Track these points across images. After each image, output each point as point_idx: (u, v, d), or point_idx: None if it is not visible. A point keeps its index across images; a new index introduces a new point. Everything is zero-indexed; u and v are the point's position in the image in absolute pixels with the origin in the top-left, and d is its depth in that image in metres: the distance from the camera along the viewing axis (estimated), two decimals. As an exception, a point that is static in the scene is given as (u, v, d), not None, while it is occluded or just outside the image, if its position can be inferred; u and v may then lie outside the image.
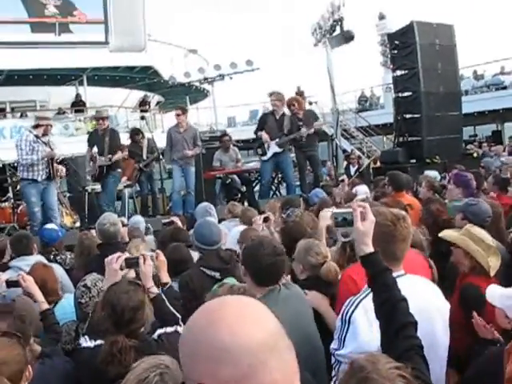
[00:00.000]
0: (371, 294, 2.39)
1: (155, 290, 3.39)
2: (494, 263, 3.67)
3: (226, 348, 1.04)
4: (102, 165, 9.70)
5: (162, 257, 3.97)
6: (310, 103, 12.59)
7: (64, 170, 9.26)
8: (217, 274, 4.20)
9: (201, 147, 10.80)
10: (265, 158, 10.66)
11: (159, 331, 3.09)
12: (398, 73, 12.32)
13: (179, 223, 6.18)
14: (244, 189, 11.68)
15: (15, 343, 2.41)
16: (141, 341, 2.91)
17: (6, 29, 19.99)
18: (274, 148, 10.54)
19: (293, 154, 11.78)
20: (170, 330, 3.14)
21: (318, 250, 3.94)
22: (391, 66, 13.38)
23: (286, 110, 10.90)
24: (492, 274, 3.63)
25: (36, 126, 8.76)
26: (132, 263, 3.45)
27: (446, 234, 4.07)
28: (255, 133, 10.89)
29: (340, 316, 2.56)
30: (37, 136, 8.58)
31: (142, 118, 11.77)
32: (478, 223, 4.32)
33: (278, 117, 10.65)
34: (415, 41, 11.37)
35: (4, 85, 21.14)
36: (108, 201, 9.82)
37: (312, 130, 10.55)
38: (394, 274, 2.47)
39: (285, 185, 11.69)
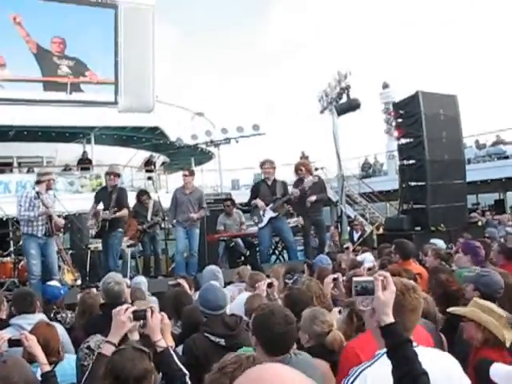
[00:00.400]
0: (375, 364, 2.39)
1: (163, 343, 3.31)
2: (508, 334, 3.60)
3: None
4: (105, 219, 9.53)
5: (167, 320, 3.91)
6: (317, 169, 12.65)
7: (63, 221, 9.17)
8: (221, 341, 4.12)
9: (206, 210, 10.79)
10: (261, 225, 10.60)
11: None
12: (403, 141, 12.43)
13: (186, 286, 6.10)
14: (247, 252, 11.64)
15: None
16: None
17: (19, 86, 20.45)
18: (269, 213, 10.51)
19: (295, 219, 11.77)
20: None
21: (323, 318, 3.90)
22: (395, 134, 13.53)
23: (278, 176, 10.94)
24: (508, 344, 3.55)
25: (38, 182, 8.84)
26: (140, 315, 3.38)
27: (455, 308, 4.03)
28: (249, 202, 10.88)
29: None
30: (38, 193, 8.64)
31: (149, 178, 11.85)
32: (490, 294, 4.27)
33: (270, 183, 10.69)
34: (420, 110, 11.53)
35: (13, 140, 21.42)
36: (115, 261, 9.70)
37: (313, 199, 10.54)
38: None
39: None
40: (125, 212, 9.77)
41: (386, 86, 28.52)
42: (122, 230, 10.00)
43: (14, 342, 3.81)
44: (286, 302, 5.09)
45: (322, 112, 16.30)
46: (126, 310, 3.35)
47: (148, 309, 3.42)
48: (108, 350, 3.18)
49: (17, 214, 8.73)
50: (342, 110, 15.13)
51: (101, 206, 9.84)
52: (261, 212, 10.51)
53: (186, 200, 10.42)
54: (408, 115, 12.05)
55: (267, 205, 10.50)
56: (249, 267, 7.99)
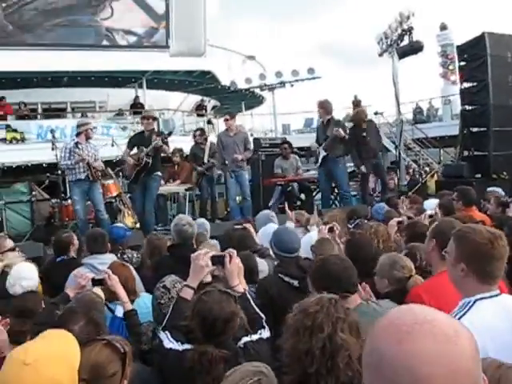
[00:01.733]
0: (467, 315, 2.39)
1: (241, 288, 3.34)
2: None
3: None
4: (150, 152, 9.32)
5: (241, 264, 3.94)
6: (376, 113, 12.33)
7: (102, 164, 9.22)
8: (295, 282, 4.12)
9: (251, 151, 10.79)
10: (317, 165, 10.67)
11: (245, 339, 2.99)
12: (466, 85, 11.99)
13: (252, 230, 6.09)
14: (303, 197, 11.60)
15: (116, 358, 2.33)
16: (230, 351, 2.84)
17: (71, 32, 20.52)
18: (322, 153, 10.42)
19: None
20: (255, 337, 3.06)
21: (403, 263, 3.87)
22: (451, 78, 13.07)
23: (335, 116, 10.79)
24: None
25: (78, 134, 9.13)
26: (218, 260, 3.41)
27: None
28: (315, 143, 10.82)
29: None
30: (77, 143, 8.97)
31: (209, 122, 11.69)
32: None
33: (325, 123, 10.56)
34: (486, 52, 11.03)
35: (66, 86, 21.67)
36: (152, 205, 9.76)
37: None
38: (487, 294, 2.48)
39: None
40: (167, 149, 9.75)
41: (443, 27, 27.38)
42: (161, 174, 9.99)
43: (97, 282, 3.90)
44: (347, 247, 5.06)
45: (380, 55, 15.81)
46: (205, 254, 3.37)
47: (226, 254, 3.44)
48: (187, 293, 3.22)
49: (59, 164, 9.17)
50: (404, 53, 14.64)
51: (135, 150, 9.73)
52: (317, 152, 10.47)
53: (231, 142, 10.44)
54: (473, 58, 11.58)
55: (321, 145, 10.43)
56: (304, 212, 7.93)
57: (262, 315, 3.23)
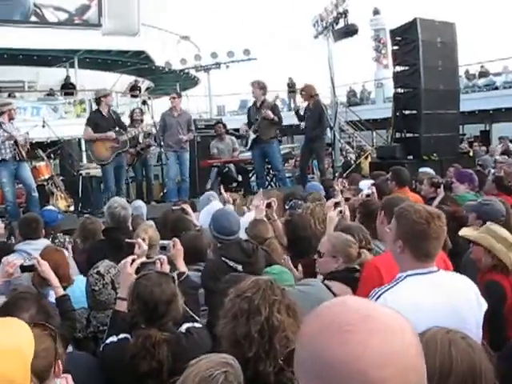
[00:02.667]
0: (394, 288, 2.51)
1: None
2: None
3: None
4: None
5: (179, 245, 3.90)
6: (317, 94, 12.45)
7: (24, 137, 8.95)
8: (239, 267, 4.07)
9: (194, 132, 10.71)
10: (247, 147, 10.66)
11: (187, 325, 2.99)
12: (399, 69, 12.23)
13: (190, 210, 6.03)
14: (240, 178, 11.60)
15: (46, 335, 2.26)
16: (171, 333, 2.84)
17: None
18: (251, 135, 10.41)
19: (289, 145, 11.71)
20: (198, 325, 3.06)
21: (353, 240, 3.92)
22: (384, 62, 13.32)
23: (268, 98, 10.70)
24: (513, 271, 3.67)
25: (0, 114, 8.81)
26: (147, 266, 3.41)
27: (466, 232, 4.09)
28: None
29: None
30: (0, 124, 8.68)
31: (144, 102, 11.42)
32: (492, 222, 4.30)
33: (258, 105, 10.52)
34: (418, 37, 11.26)
35: (-7, 63, 20.77)
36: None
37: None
38: (426, 270, 2.59)
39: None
40: None
41: (376, 12, 27.88)
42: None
43: (26, 268, 3.77)
44: (286, 228, 5.10)
45: (316, 37, 15.93)
46: (133, 262, 3.34)
47: (157, 260, 3.45)
48: (121, 305, 3.16)
49: None
50: (339, 35, 14.80)
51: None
52: (247, 135, 10.46)
53: (174, 123, 10.31)
54: (405, 42, 11.81)
55: (251, 126, 10.43)
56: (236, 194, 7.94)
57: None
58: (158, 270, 3.01)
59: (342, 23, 14.76)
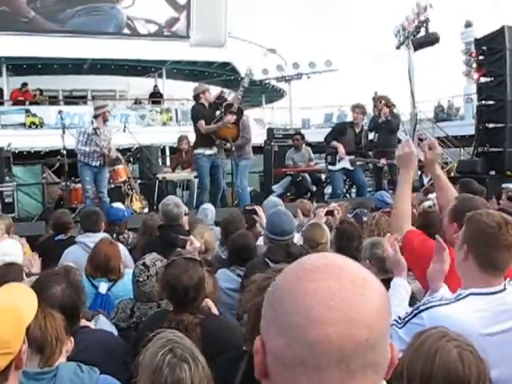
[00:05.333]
0: (452, 305, 2.20)
1: None
2: None
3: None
4: None
5: (196, 243, 4.00)
6: (389, 106, 12.21)
7: (116, 154, 9.42)
8: (281, 269, 4.00)
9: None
10: (333, 167, 10.32)
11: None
12: (483, 80, 11.78)
13: (261, 213, 5.98)
14: (314, 188, 11.52)
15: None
16: (203, 316, 2.87)
17: (92, 19, 20.67)
18: (345, 163, 10.15)
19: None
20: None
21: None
22: (475, 76, 12.85)
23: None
24: None
25: (95, 116, 9.14)
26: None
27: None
28: (328, 140, 10.54)
29: (415, 305, 2.38)
30: (96, 129, 8.96)
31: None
32: None
33: (357, 131, 10.34)
34: (505, 46, 10.80)
35: (87, 73, 21.80)
36: None
37: (383, 162, 10.23)
38: (494, 289, 2.23)
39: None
40: None
41: (468, 24, 26.89)
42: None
43: None
44: (335, 235, 4.96)
45: (398, 48, 15.63)
46: None
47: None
48: None
49: (74, 147, 9.09)
50: (419, 44, 14.45)
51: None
52: (337, 157, 10.23)
53: None
54: (491, 52, 11.35)
55: (348, 153, 10.16)
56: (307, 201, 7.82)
57: None
58: (185, 256, 3.02)
59: (423, 32, 14.41)
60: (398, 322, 2.27)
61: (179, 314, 2.85)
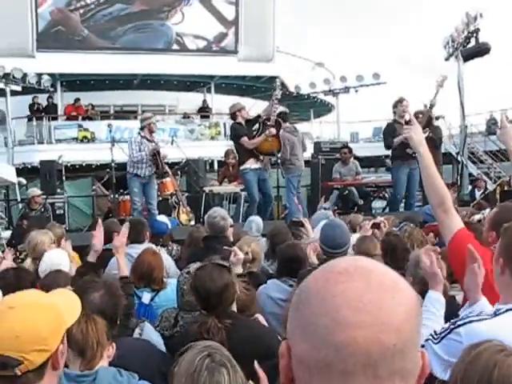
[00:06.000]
0: (491, 321, 2.10)
1: None
2: None
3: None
4: None
5: (240, 255, 4.05)
6: (437, 118, 11.96)
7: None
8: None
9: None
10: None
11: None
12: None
13: (308, 225, 5.98)
14: (361, 202, 11.38)
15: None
16: (235, 319, 2.90)
17: (142, 36, 21.21)
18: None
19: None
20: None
21: None
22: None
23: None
24: None
25: (141, 128, 9.35)
26: None
27: None
28: (389, 142, 10.18)
29: (452, 320, 2.29)
30: (143, 137, 9.19)
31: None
32: None
33: (404, 122, 10.02)
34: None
35: (137, 88, 22.27)
36: None
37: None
38: None
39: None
40: None
41: (521, 35, 26.37)
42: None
43: None
44: (380, 247, 4.91)
45: (447, 59, 15.34)
46: None
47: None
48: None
49: (128, 157, 9.22)
50: (469, 55, 14.13)
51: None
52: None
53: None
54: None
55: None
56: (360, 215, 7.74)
57: None
58: (214, 262, 3.07)
59: (473, 43, 14.10)
60: (433, 337, 2.18)
61: (206, 316, 2.92)
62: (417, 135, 3.06)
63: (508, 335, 1.95)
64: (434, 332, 2.21)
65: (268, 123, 9.38)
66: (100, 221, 4.64)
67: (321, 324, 0.86)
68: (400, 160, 9.97)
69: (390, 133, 10.14)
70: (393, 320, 0.86)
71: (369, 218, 7.39)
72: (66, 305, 1.84)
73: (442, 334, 2.16)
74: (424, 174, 3.01)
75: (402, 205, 10.90)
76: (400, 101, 10.09)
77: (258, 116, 9.91)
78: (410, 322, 0.88)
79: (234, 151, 11.32)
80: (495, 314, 2.12)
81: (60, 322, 1.73)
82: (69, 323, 1.81)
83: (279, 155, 9.53)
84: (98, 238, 3.99)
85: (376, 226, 5.61)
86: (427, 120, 10.15)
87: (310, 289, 0.91)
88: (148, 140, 9.17)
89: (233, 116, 9.73)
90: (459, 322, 2.16)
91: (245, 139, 9.37)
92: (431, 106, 9.95)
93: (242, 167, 9.58)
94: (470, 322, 2.13)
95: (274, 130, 9.32)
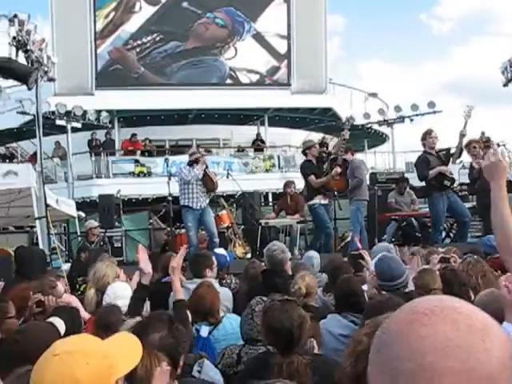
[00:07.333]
0: None
1: None
2: None
3: None
4: None
5: None
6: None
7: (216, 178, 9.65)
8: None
9: None
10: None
11: None
12: None
13: (367, 258, 5.86)
14: (420, 233, 11.11)
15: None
16: (313, 356, 2.82)
17: (197, 71, 21.70)
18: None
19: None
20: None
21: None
22: None
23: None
24: None
25: (190, 164, 9.36)
26: None
27: None
28: (423, 175, 10.00)
29: None
30: (190, 165, 9.30)
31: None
32: None
33: (435, 154, 9.87)
34: None
35: (192, 123, 22.63)
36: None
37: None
38: None
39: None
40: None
41: None
42: None
43: None
44: (442, 281, 4.77)
45: (505, 85, 14.89)
46: None
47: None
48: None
49: (180, 186, 9.32)
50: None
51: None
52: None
53: None
54: None
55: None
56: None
57: None
58: (280, 298, 2.97)
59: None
60: None
61: (287, 356, 2.77)
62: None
63: None
64: None
65: (335, 162, 9.81)
66: (141, 246, 4.66)
67: (405, 369, 0.79)
68: (437, 191, 9.75)
69: (423, 165, 9.96)
70: (485, 366, 0.77)
71: (433, 250, 7.20)
72: (122, 352, 1.78)
73: None
74: (493, 208, 2.68)
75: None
76: (428, 132, 9.95)
77: (329, 153, 10.50)
78: (506, 368, 0.79)
79: (294, 183, 11.37)
80: None
81: (108, 371, 1.67)
82: (123, 372, 1.74)
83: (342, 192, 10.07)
84: (144, 261, 3.96)
85: (445, 260, 5.46)
86: (459, 150, 9.96)
87: (393, 331, 0.84)
88: (195, 163, 9.24)
89: (304, 153, 10.33)
90: None
91: (312, 178, 9.85)
92: (462, 137, 9.77)
93: (311, 202, 9.97)
94: None
95: (339, 170, 9.66)
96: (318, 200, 9.80)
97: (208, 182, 9.30)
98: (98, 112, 17.63)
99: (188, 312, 3.97)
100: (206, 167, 9.34)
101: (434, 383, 0.77)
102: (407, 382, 0.78)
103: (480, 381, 0.77)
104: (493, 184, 2.57)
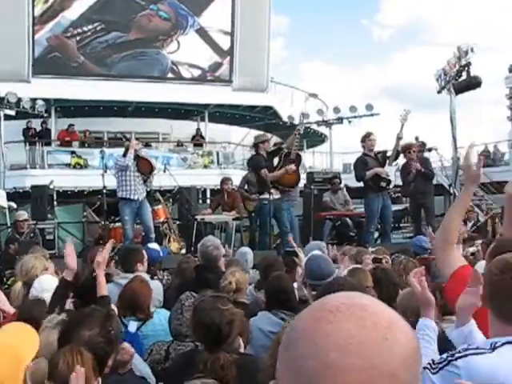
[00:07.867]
0: (492, 354, 2.02)
1: None
2: None
3: None
4: None
5: None
6: (430, 150, 12.06)
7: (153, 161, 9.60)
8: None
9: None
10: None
11: None
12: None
13: (302, 254, 5.94)
14: (355, 232, 11.36)
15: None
16: (240, 354, 2.85)
17: (138, 64, 21.38)
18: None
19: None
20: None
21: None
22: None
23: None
24: None
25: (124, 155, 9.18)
26: None
27: None
28: (360, 176, 10.21)
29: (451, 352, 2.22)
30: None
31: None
32: None
33: (373, 156, 10.16)
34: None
35: (132, 116, 22.30)
36: None
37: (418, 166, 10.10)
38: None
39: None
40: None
41: (512, 69, 26.74)
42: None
43: None
44: (373, 281, 4.89)
45: (439, 92, 15.48)
46: None
47: None
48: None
49: (117, 175, 9.12)
50: (461, 88, 14.33)
51: None
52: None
53: None
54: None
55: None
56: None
57: None
58: (212, 294, 2.99)
59: (464, 76, 14.30)
60: (431, 366, 2.13)
61: (214, 352, 2.77)
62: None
63: (508, 372, 1.95)
64: (432, 361, 2.15)
65: (289, 158, 9.88)
66: (70, 241, 4.57)
67: (309, 367, 0.80)
68: (373, 192, 10.04)
69: (361, 166, 10.26)
70: (387, 364, 0.80)
71: (360, 249, 7.36)
72: (24, 341, 1.77)
73: (440, 365, 2.11)
74: (454, 209, 3.05)
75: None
76: (368, 135, 10.35)
77: (280, 149, 10.35)
78: (408, 366, 0.82)
79: (231, 179, 11.36)
80: (493, 348, 2.05)
81: (19, 364, 1.66)
82: (28, 361, 1.74)
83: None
84: (70, 257, 3.92)
85: (377, 260, 5.58)
86: (396, 152, 10.32)
87: (300, 328, 0.85)
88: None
89: (255, 147, 10.34)
90: (457, 355, 2.09)
91: (265, 172, 9.91)
92: (398, 139, 10.13)
93: (261, 196, 10.11)
94: (468, 354, 2.06)
95: (294, 167, 9.82)
96: (267, 195, 9.85)
97: (144, 164, 9.20)
98: (34, 100, 17.09)
99: (114, 307, 3.95)
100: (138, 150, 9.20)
101: (337, 380, 0.78)
102: (311, 380, 0.80)
103: (381, 377, 0.79)
104: (467, 184, 2.99)
